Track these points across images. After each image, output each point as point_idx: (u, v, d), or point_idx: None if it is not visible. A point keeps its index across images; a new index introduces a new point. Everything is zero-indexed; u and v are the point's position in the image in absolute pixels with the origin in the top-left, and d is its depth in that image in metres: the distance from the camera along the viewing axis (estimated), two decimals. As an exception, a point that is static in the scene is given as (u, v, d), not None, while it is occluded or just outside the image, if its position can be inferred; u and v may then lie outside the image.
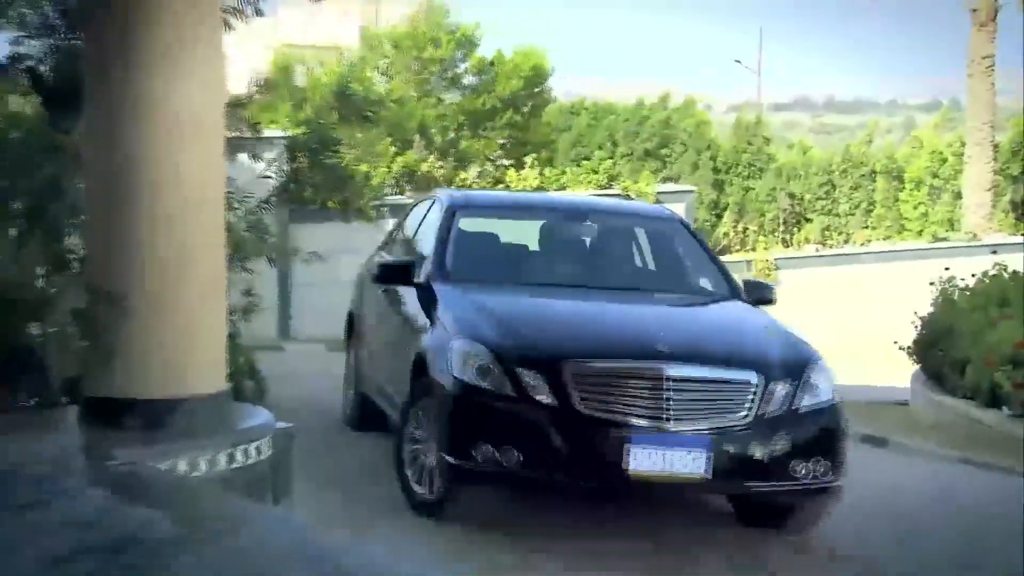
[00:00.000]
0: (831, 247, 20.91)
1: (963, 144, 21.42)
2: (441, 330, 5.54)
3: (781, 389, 5.08)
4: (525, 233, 7.07)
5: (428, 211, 7.07)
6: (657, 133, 21.61)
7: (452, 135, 17.90)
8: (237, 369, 6.75)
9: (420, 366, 5.56)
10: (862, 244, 21.29)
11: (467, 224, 6.65)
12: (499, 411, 5.01)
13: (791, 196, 22.16)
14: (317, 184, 9.44)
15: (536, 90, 18.41)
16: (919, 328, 10.49)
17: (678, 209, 18.83)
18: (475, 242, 6.68)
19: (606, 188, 18.83)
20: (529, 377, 5.04)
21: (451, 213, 6.58)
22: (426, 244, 6.91)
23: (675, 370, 4.97)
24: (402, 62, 17.23)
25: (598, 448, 4.92)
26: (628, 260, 6.85)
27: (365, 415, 7.45)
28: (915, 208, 22.56)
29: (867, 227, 21.99)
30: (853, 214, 22.56)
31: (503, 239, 6.96)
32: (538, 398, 5.00)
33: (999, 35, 20.47)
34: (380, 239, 16.76)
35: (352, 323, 8.06)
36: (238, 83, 9.88)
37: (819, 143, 29.11)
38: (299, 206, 12.73)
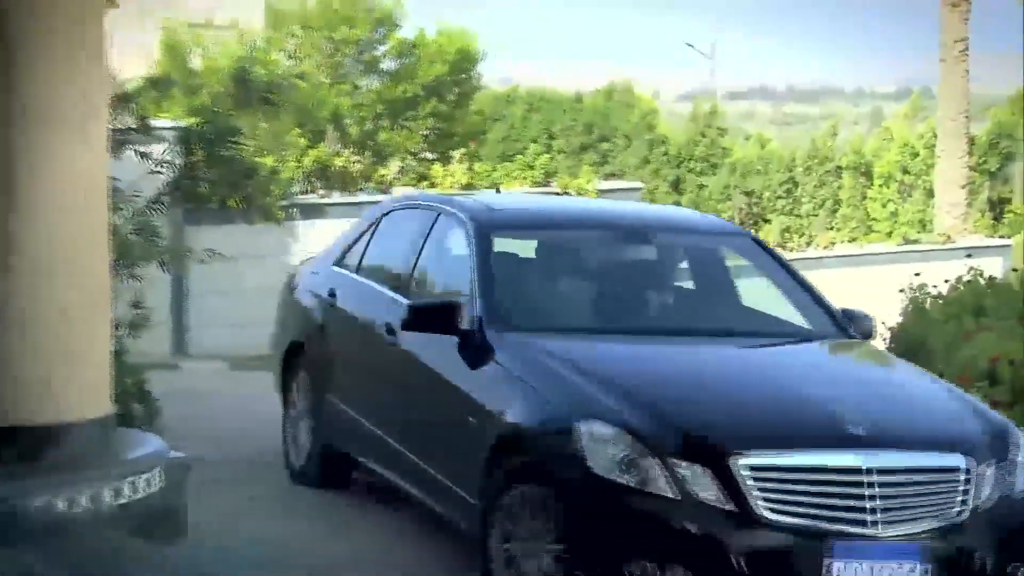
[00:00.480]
0: (792, 250, 21.14)
1: (935, 136, 21.76)
2: (540, 402, 4.99)
3: (990, 473, 4.59)
4: (567, 255, 6.54)
5: (432, 228, 6.51)
6: (599, 124, 21.74)
7: (369, 126, 17.85)
8: (124, 390, 6.66)
9: (510, 451, 5.01)
10: (826, 247, 21.52)
11: (501, 246, 6.14)
12: (656, 518, 4.41)
13: (748, 194, 22.37)
14: (214, 180, 9.36)
15: (463, 76, 18.43)
16: (887, 340, 10.65)
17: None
18: (525, 273, 6.17)
19: (542, 185, 18.91)
20: (691, 472, 4.47)
21: (484, 236, 5.97)
22: (436, 272, 6.47)
23: (877, 459, 4.41)
24: (312, 43, 17.17)
25: (792, 564, 4.34)
26: (712, 293, 6.37)
27: (330, 472, 7.10)
28: (884, 207, 22.88)
29: (832, 228, 22.26)
30: (816, 214, 22.82)
31: (548, 264, 6.46)
32: (705, 499, 4.42)
33: (973, 17, 20.88)
34: (290, 243, 16.72)
35: (297, 354, 7.40)
36: (131, 66, 9.79)
37: (779, 135, 29.47)
38: (195, 206, 12.64)
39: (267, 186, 13.52)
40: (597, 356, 5.28)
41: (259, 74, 10.43)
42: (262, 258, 15.23)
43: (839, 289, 18.57)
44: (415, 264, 6.50)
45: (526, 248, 6.49)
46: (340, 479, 7.07)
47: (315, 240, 16.43)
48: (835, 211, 23.17)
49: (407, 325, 5.80)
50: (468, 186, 18.01)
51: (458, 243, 6.28)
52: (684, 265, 6.50)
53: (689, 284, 6.40)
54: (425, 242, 6.52)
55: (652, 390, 4.88)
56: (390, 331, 6.27)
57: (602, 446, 4.65)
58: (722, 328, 5.83)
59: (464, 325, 5.60)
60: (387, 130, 17.96)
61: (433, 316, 5.68)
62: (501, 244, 6.23)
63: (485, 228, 6.10)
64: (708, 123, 22.52)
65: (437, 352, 5.77)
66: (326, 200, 16.67)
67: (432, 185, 17.94)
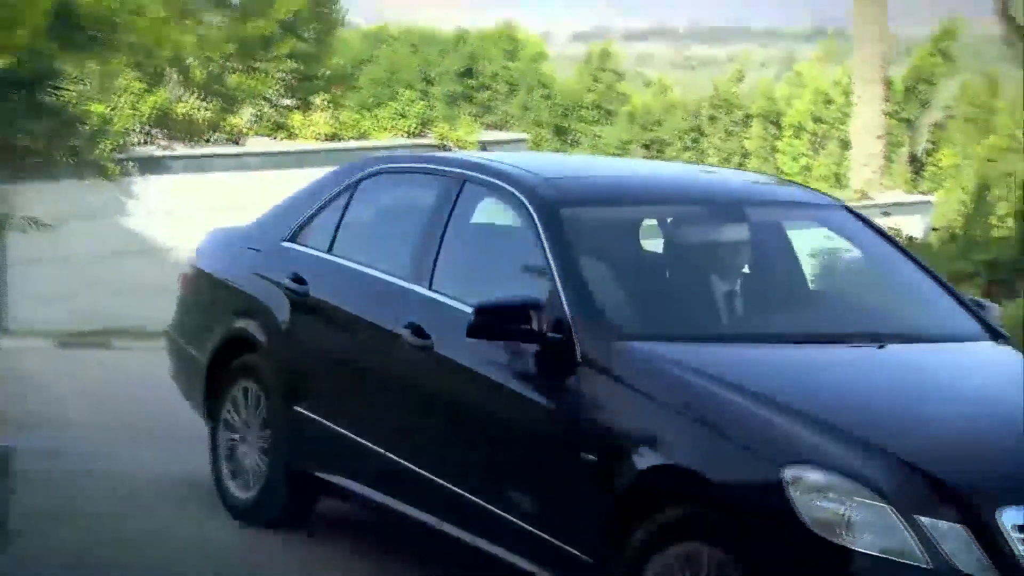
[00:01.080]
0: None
1: (851, 81, 22.09)
2: (709, 436, 4.48)
3: None
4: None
5: (457, 200, 5.73)
6: (482, 68, 21.69)
7: (217, 68, 17.54)
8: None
9: (661, 499, 4.51)
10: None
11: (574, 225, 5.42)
12: None
13: (648, 146, 22.49)
14: (33, 130, 9.09)
15: (323, 10, 18.19)
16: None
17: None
18: (614, 262, 5.51)
19: (417, 136, 18.80)
20: (945, 531, 3.98)
21: (554, 215, 5.26)
22: (472, 258, 5.71)
23: None
24: (150, -28, 16.77)
25: None
26: (827, 282, 6.01)
27: (299, 504, 6.31)
28: (795, 160, 23.25)
29: (739, 184, 22.49)
30: (723, 167, 23.32)
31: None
32: (964, 567, 3.93)
33: (892, -51, 21.15)
34: (126, 202, 16.33)
35: (237, 356, 6.59)
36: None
37: (682, 81, 29.64)
38: (14, 160, 12.29)
39: (98, 137, 13.18)
40: (758, 373, 4.72)
41: (86, 8, 10.14)
42: (93, 219, 14.89)
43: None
44: (438, 248, 5.72)
45: (595, 228, 5.73)
46: (306, 512, 6.40)
47: (156, 198, 16.11)
48: (742, 165, 23.46)
49: (475, 331, 5.04)
50: (333, 136, 17.80)
51: (504, 221, 5.67)
52: (785, 246, 6.05)
53: (799, 271, 5.96)
54: (449, 219, 5.77)
55: (856, 420, 4.37)
56: (418, 332, 5.57)
57: (817, 498, 4.11)
58: (867, 331, 5.30)
59: (546, 330, 4.95)
60: (238, 73, 17.66)
61: (511, 319, 4.96)
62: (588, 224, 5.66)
63: (552, 204, 5.36)
64: (602, 67, 22.72)
65: (503, 363, 5.15)
66: (168, 152, 16.35)
67: (290, 136, 17.70)
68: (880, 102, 21.03)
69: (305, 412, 6.25)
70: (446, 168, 6.07)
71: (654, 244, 5.76)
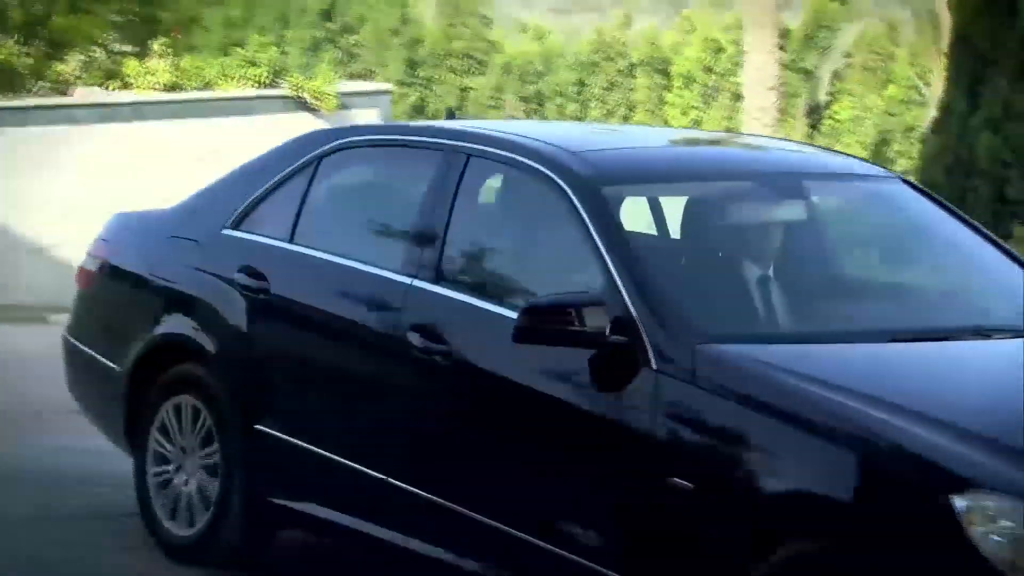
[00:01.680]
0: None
1: (743, 28, 22.00)
2: (854, 459, 4.20)
3: None
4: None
5: (462, 180, 5.45)
6: (342, 11, 21.19)
7: (41, 8, 16.77)
8: None
9: (783, 533, 4.23)
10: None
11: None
12: None
13: (525, 99, 22.49)
14: None
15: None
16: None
17: (371, 115, 18.56)
18: (671, 251, 5.28)
19: (269, 86, 18.19)
20: None
21: (597, 197, 4.96)
22: (492, 249, 5.34)
23: None
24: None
25: None
26: (901, 267, 5.78)
27: (259, 539, 5.89)
28: (684, 113, 23.30)
29: (624, 139, 22.42)
30: (607, 121, 23.03)
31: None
32: None
33: None
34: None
35: (173, 366, 6.12)
36: None
37: (561, 27, 29.35)
38: None
39: None
40: (882, 380, 4.45)
41: None
42: None
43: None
44: (444, 236, 5.31)
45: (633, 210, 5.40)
46: (263, 548, 5.94)
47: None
48: (628, 118, 23.32)
49: (524, 334, 4.62)
50: (174, 87, 17.16)
51: (528, 205, 5.30)
52: (856, 227, 5.84)
53: (874, 255, 5.76)
54: (455, 201, 5.34)
55: (1010, 430, 4.17)
56: (430, 335, 5.14)
57: (998, 528, 3.93)
58: (969, 324, 5.05)
59: (608, 333, 4.55)
60: (65, 14, 16.94)
61: (568, 321, 4.55)
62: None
63: (593, 183, 4.99)
64: (470, 11, 22.40)
65: (550, 370, 4.78)
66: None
67: (126, 86, 17.02)
68: (773, 50, 20.88)
69: (270, 431, 5.72)
70: (443, 141, 5.61)
71: (704, 226, 5.45)
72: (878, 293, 5.36)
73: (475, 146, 5.38)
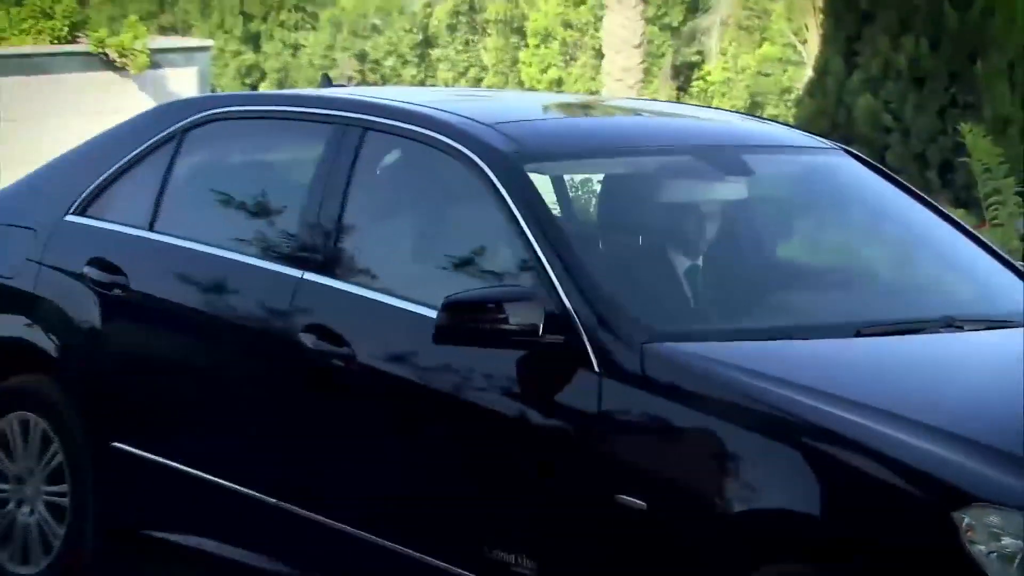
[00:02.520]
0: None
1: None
2: (834, 471, 4.08)
3: None
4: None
5: (357, 158, 5.22)
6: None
7: None
8: None
9: (764, 555, 4.09)
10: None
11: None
12: None
13: (362, 58, 22.36)
14: None
15: None
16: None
17: (188, 76, 18.18)
18: (610, 236, 5.15)
19: (67, 41, 17.68)
20: None
21: (517, 174, 4.80)
22: (393, 236, 5.16)
23: None
24: None
25: None
26: (858, 249, 5.68)
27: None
28: (542, 73, 23.24)
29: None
30: (456, 83, 23.06)
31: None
32: None
33: None
34: None
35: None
36: None
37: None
38: None
39: None
40: (856, 380, 4.33)
41: None
42: None
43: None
44: (338, 223, 5.12)
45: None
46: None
47: None
48: (480, 80, 23.23)
49: (445, 334, 4.43)
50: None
51: (439, 186, 5.13)
52: (822, 215, 5.71)
53: (827, 237, 5.66)
54: (350, 183, 5.13)
55: (1002, 435, 4.07)
56: (327, 336, 4.90)
57: (1001, 546, 3.82)
58: (937, 314, 4.89)
59: (542, 331, 4.37)
60: None
61: (492, 318, 4.38)
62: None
63: (514, 160, 4.80)
64: None
65: (468, 374, 4.63)
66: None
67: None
68: (636, 3, 21.01)
69: (131, 449, 5.48)
70: (333, 112, 5.40)
71: (640, 203, 5.32)
72: (837, 281, 5.27)
73: (372, 118, 5.17)
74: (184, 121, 5.80)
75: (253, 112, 5.85)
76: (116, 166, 5.84)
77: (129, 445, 5.48)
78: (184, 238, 5.53)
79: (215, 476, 5.27)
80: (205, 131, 5.79)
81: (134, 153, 5.82)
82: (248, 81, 21.95)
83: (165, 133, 5.79)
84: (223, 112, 5.88)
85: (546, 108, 6.28)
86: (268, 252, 5.27)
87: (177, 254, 5.53)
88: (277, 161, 5.76)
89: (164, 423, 5.50)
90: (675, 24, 23.69)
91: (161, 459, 5.41)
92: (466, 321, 4.43)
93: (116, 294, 5.57)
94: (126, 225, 5.71)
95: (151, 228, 5.61)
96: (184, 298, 5.48)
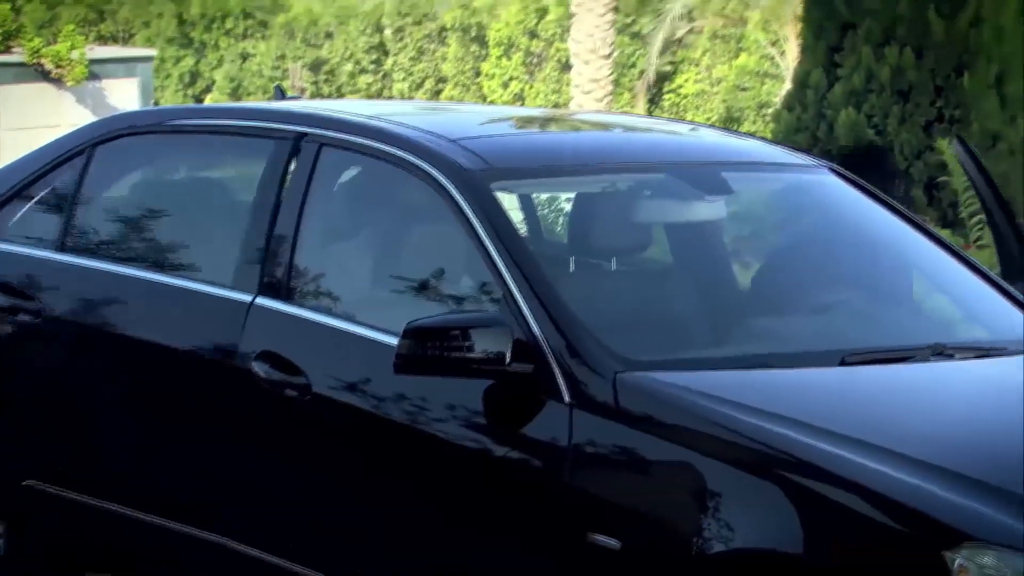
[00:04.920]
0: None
1: (571, -14, 22.20)
2: (819, 509, 4.03)
3: None
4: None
5: (312, 172, 5.10)
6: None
7: None
8: None
9: None
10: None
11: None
12: None
13: (315, 67, 22.34)
14: None
15: None
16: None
17: (128, 87, 18.16)
18: (588, 259, 5.15)
19: (1, 51, 17.63)
20: None
21: (484, 192, 4.74)
22: (343, 257, 5.08)
23: None
24: None
25: None
26: (841, 272, 5.59)
27: None
28: (504, 86, 23.20)
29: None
30: (414, 95, 22.95)
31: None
32: None
33: None
34: None
35: None
36: None
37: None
38: None
39: None
40: (842, 412, 4.31)
41: None
42: None
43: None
44: (293, 245, 5.03)
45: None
46: None
47: None
48: (439, 92, 23.10)
49: (408, 363, 4.37)
50: None
51: (400, 205, 5.11)
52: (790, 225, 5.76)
53: (810, 258, 5.62)
54: (304, 202, 5.04)
55: (994, 469, 4.07)
56: (280, 365, 4.85)
57: None
58: (925, 342, 4.90)
59: (509, 360, 4.32)
60: None
61: (457, 345, 4.31)
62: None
63: (480, 177, 4.76)
64: None
65: (433, 405, 4.58)
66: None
67: None
68: (606, 11, 21.03)
69: (49, 489, 5.44)
70: (283, 127, 5.29)
71: (614, 224, 5.29)
72: (821, 306, 5.23)
73: (327, 133, 5.11)
74: (91, 136, 5.68)
75: (178, 126, 5.72)
76: (15, 183, 5.73)
77: (46, 484, 5.39)
78: (101, 260, 5.43)
79: (154, 516, 5.17)
80: (118, 146, 5.65)
81: (35, 170, 5.72)
82: (192, 92, 21.88)
83: (70, 149, 5.68)
84: (139, 126, 5.76)
85: (512, 122, 6.26)
86: (208, 275, 5.16)
87: (96, 278, 5.41)
88: (215, 178, 5.68)
89: (88, 458, 5.38)
90: (645, 31, 23.76)
91: (86, 498, 5.32)
92: (429, 349, 4.35)
93: (24, 321, 5.48)
94: (31, 247, 5.59)
95: (61, 250, 5.50)
96: (112, 325, 5.38)
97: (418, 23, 23.35)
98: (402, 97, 23.52)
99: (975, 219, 8.48)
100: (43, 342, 5.48)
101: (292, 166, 5.12)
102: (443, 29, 23.57)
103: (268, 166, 5.15)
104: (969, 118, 9.81)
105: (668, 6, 23.34)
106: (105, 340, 5.36)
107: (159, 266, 5.29)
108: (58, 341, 5.45)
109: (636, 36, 23.54)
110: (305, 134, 5.13)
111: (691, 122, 13.63)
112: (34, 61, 17.18)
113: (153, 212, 5.58)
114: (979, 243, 8.35)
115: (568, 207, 5.42)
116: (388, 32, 23.30)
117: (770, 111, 19.10)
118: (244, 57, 22.23)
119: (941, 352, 4.82)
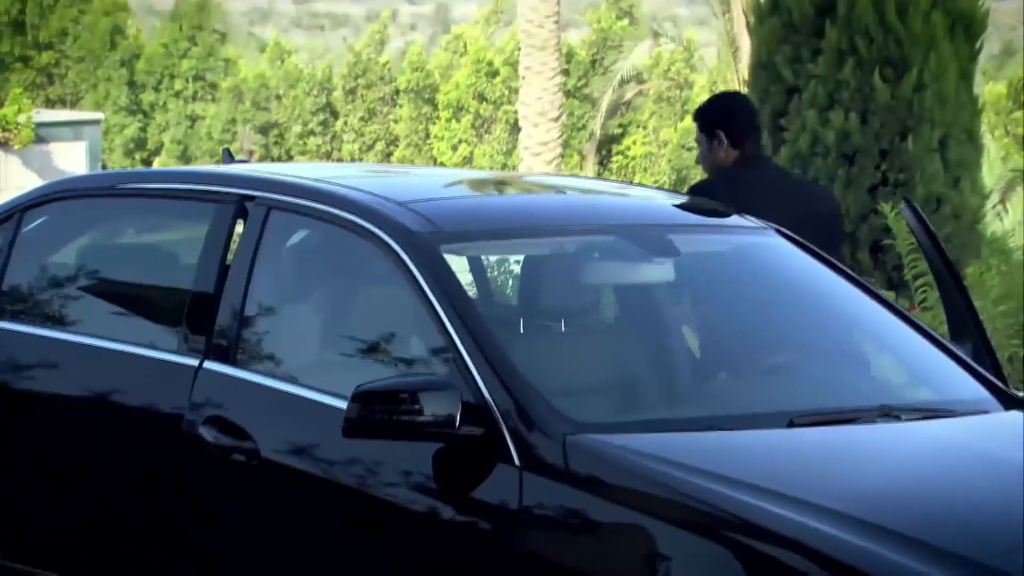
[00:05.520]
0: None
1: (520, 49, 22.33)
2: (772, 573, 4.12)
3: None
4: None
5: (261, 236, 5.23)
6: (35, 21, 20.78)
7: None
8: None
9: None
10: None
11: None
12: None
13: (264, 131, 22.52)
14: None
15: None
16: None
17: (76, 150, 18.22)
18: (534, 321, 5.20)
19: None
20: None
21: (433, 255, 4.83)
22: (285, 320, 5.13)
23: None
24: None
25: None
26: (787, 334, 5.67)
27: None
28: (454, 149, 23.45)
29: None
30: (364, 156, 23.26)
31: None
32: None
33: None
34: None
35: None
36: None
37: (308, 45, 29.41)
38: None
39: None
40: (793, 474, 4.40)
41: None
42: None
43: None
44: (241, 308, 5.08)
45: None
46: None
47: None
48: (390, 154, 23.39)
49: (357, 427, 4.44)
50: None
51: (348, 269, 5.18)
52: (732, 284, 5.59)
53: (753, 318, 5.64)
54: (253, 265, 5.11)
55: (956, 535, 4.14)
56: (229, 430, 4.88)
57: None
58: (873, 404, 4.95)
59: (451, 421, 4.35)
60: None
61: (406, 409, 4.41)
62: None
63: (429, 241, 4.83)
64: (198, 24, 22.43)
65: (375, 471, 4.65)
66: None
67: None
68: (555, 74, 21.16)
69: None
70: (227, 190, 5.34)
71: (563, 286, 5.38)
72: (767, 367, 5.32)
73: (274, 196, 5.15)
74: (23, 201, 5.71)
75: (114, 190, 5.81)
76: None
77: None
78: (35, 326, 5.45)
79: None
80: (51, 211, 5.68)
81: None
82: (139, 156, 21.95)
83: (3, 213, 5.66)
84: (72, 189, 5.83)
85: (461, 185, 6.34)
86: (154, 338, 5.20)
87: (25, 342, 5.43)
88: (157, 241, 5.72)
89: (31, 530, 5.36)
90: (594, 95, 23.96)
91: (30, 568, 5.26)
92: (378, 412, 4.42)
93: None
94: None
95: None
96: (47, 391, 5.41)
97: (370, 86, 23.51)
98: (352, 159, 23.65)
99: (920, 281, 8.60)
100: None
101: (239, 229, 5.17)
102: (396, 91, 23.75)
103: (214, 229, 5.21)
104: (914, 181, 9.96)
105: (617, 65, 23.59)
106: (45, 407, 5.38)
107: (103, 330, 5.26)
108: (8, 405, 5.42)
109: (586, 99, 23.77)
110: (253, 197, 5.19)
111: (639, 184, 13.69)
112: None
113: (94, 276, 5.64)
114: (924, 304, 8.47)
115: (517, 269, 5.55)
116: (337, 94, 23.47)
117: (718, 173, 19.34)
118: (193, 120, 22.33)
119: (888, 413, 4.88)
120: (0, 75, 20.31)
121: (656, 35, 22.98)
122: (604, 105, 22.69)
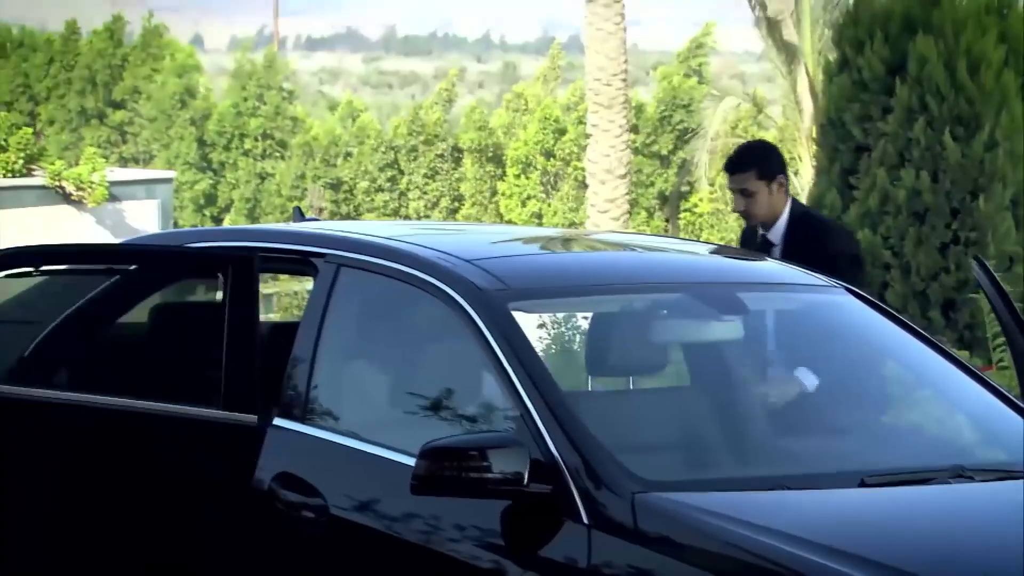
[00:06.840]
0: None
1: (585, 105, 22.30)
2: None
3: None
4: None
5: (331, 292, 5.23)
6: (108, 79, 21.01)
7: None
8: None
9: None
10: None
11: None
12: None
13: (334, 186, 22.48)
14: None
15: None
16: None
17: (148, 208, 18.42)
18: (588, 376, 5.28)
19: (22, 174, 17.91)
20: None
21: (501, 312, 4.82)
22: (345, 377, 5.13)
23: None
24: None
25: None
26: (860, 394, 5.71)
27: None
28: (522, 205, 23.32)
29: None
30: (429, 213, 23.09)
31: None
32: None
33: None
34: None
35: None
36: None
37: (376, 103, 29.57)
38: None
39: None
40: (866, 533, 4.42)
41: None
42: None
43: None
44: (311, 365, 5.18)
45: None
46: None
47: None
48: (456, 210, 23.32)
49: (425, 483, 4.45)
50: None
51: (417, 326, 5.22)
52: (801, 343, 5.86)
53: (826, 378, 5.73)
54: (323, 322, 5.23)
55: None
56: (296, 487, 4.96)
57: None
58: (945, 464, 5.02)
59: (519, 479, 4.39)
60: None
61: (475, 466, 4.38)
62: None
63: (497, 298, 4.85)
64: (267, 83, 22.53)
65: (443, 528, 4.65)
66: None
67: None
68: (622, 132, 21.20)
69: None
70: (296, 248, 5.43)
71: (631, 343, 5.40)
72: (838, 427, 5.33)
73: (344, 254, 5.21)
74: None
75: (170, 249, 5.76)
76: None
77: None
78: (65, 389, 5.40)
79: None
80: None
81: None
82: (209, 212, 22.08)
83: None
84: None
85: (529, 242, 6.42)
86: (220, 398, 5.12)
87: (64, 408, 5.33)
88: (216, 298, 5.57)
89: None
90: (663, 152, 23.91)
91: None
92: (446, 469, 4.37)
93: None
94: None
95: (13, 381, 5.40)
96: (109, 458, 5.30)
97: (429, 143, 23.54)
98: (418, 216, 23.69)
99: (998, 340, 8.62)
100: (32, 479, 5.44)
101: (312, 287, 5.22)
102: (456, 149, 23.76)
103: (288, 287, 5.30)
104: (985, 240, 9.97)
105: (694, 128, 23.51)
106: (108, 473, 5.33)
107: (165, 393, 5.26)
108: (57, 475, 5.42)
109: (653, 155, 23.76)
110: (324, 255, 5.22)
111: (707, 242, 13.67)
112: (55, 184, 17.47)
113: (163, 335, 5.63)
114: (1000, 364, 8.48)
115: (585, 326, 5.47)
116: (401, 152, 23.57)
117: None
118: (262, 177, 22.45)
119: (961, 474, 4.89)
120: (75, 133, 20.57)
121: (724, 96, 23.00)
122: (682, 163, 22.62)
